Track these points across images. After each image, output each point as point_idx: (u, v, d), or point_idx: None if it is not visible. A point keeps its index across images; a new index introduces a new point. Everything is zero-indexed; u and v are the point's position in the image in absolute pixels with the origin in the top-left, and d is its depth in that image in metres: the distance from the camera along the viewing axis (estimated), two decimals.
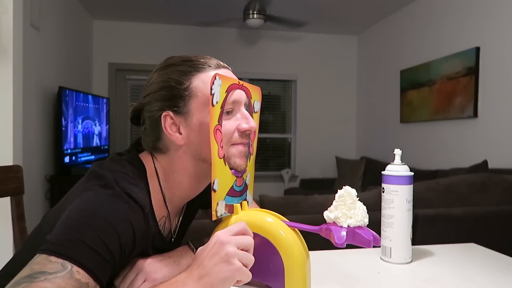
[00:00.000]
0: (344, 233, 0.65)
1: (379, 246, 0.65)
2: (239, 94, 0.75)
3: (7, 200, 1.17)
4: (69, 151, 3.33)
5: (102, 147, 4.14)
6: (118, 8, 4.32)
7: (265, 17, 3.85)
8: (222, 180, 0.71)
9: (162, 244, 0.78)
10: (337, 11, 4.36)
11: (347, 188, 0.68)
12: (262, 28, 4.69)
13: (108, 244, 0.62)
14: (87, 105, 3.75)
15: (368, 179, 4.33)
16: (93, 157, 3.85)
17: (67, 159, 3.28)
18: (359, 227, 0.66)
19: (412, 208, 0.94)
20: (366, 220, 0.67)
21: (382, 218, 0.95)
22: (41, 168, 3.12)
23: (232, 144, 0.75)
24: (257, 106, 0.83)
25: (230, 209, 0.74)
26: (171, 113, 0.74)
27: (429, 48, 3.77)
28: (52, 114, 3.30)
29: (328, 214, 0.68)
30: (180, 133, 0.75)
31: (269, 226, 0.71)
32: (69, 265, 0.59)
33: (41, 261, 0.59)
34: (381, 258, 0.96)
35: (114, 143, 4.66)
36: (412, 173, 0.94)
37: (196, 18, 4.51)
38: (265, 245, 0.70)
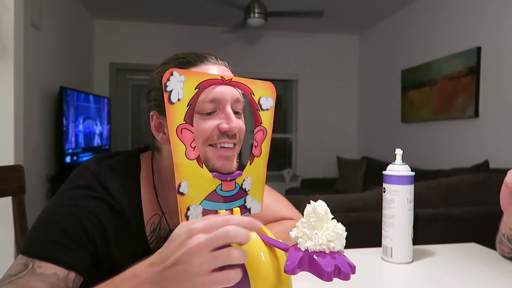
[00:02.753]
0: (297, 258, 0.53)
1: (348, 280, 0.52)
2: (220, 92, 0.69)
3: (8, 200, 1.17)
4: (70, 151, 3.33)
5: (103, 147, 4.14)
6: (119, 8, 4.32)
7: (266, 16, 3.84)
8: (195, 183, 0.66)
9: (144, 244, 0.78)
10: (338, 11, 4.35)
11: (316, 203, 0.57)
12: (263, 28, 4.69)
13: (71, 233, 0.67)
14: (88, 105, 3.75)
15: (369, 179, 4.33)
16: (91, 157, 3.86)
17: (68, 159, 3.28)
18: (321, 252, 0.54)
19: (413, 208, 0.94)
20: (333, 245, 0.54)
21: (383, 218, 0.95)
22: (42, 167, 3.12)
23: (210, 145, 0.69)
24: (267, 102, 0.74)
25: (210, 215, 0.67)
26: (157, 113, 0.75)
27: (430, 48, 3.77)
28: (53, 114, 3.30)
29: (290, 233, 0.57)
30: (165, 133, 0.75)
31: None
32: (30, 263, 0.64)
33: (12, 264, 0.65)
34: (382, 258, 0.96)
35: (115, 143, 4.67)
36: (413, 173, 0.94)
37: (197, 17, 4.51)
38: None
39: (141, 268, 0.53)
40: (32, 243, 0.67)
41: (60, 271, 0.65)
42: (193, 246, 0.49)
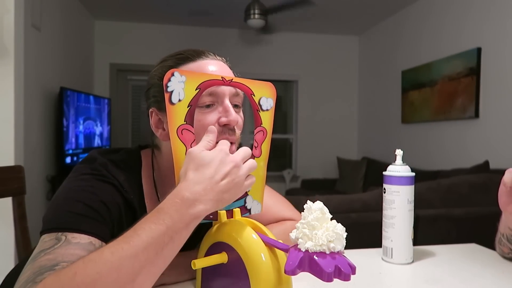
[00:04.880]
0: (297, 259, 0.53)
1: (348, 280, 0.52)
2: (220, 87, 0.70)
3: (8, 201, 1.17)
4: (70, 151, 3.33)
5: (104, 148, 4.14)
6: (119, 8, 4.33)
7: (266, 17, 3.84)
8: None
9: None
10: (338, 12, 4.36)
11: (314, 204, 0.57)
12: (264, 29, 4.68)
13: (95, 207, 0.66)
14: (88, 105, 3.75)
15: (370, 180, 4.33)
16: (90, 152, 3.87)
17: (68, 160, 3.28)
18: (321, 253, 0.54)
19: (413, 208, 0.94)
20: (333, 246, 0.54)
21: (383, 219, 0.95)
22: (43, 168, 3.12)
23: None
24: (267, 103, 0.74)
25: (210, 215, 0.67)
26: (156, 110, 0.75)
27: (430, 48, 3.77)
28: (54, 114, 3.30)
29: (290, 234, 0.58)
30: (164, 129, 0.75)
31: (246, 244, 0.61)
32: (62, 236, 0.62)
33: (38, 245, 0.63)
34: (382, 258, 0.96)
35: (115, 144, 4.67)
36: (413, 174, 0.94)
37: (197, 18, 4.52)
38: (237, 262, 0.61)
39: (184, 189, 0.59)
40: (56, 220, 0.64)
41: (95, 240, 0.63)
42: (239, 161, 0.62)
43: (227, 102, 0.70)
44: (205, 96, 0.68)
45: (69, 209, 0.65)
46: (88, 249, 0.61)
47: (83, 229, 0.63)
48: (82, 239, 0.62)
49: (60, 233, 0.62)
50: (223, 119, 0.69)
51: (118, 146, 3.76)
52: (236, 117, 0.70)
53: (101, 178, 0.71)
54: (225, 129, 0.70)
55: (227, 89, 0.70)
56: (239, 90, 0.73)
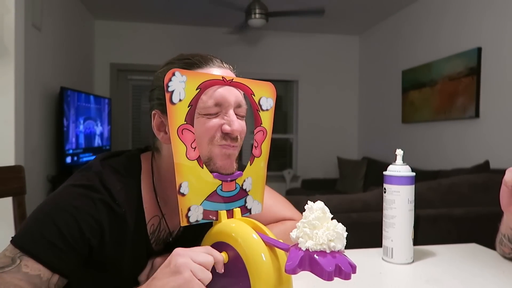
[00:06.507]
0: (297, 258, 0.54)
1: (349, 279, 0.53)
2: (222, 94, 0.69)
3: (9, 200, 1.17)
4: (70, 151, 3.33)
5: (104, 148, 4.14)
6: (119, 8, 4.33)
7: (267, 16, 3.83)
8: (195, 183, 0.66)
9: (146, 245, 0.78)
10: (339, 11, 4.35)
11: (315, 203, 0.58)
12: (264, 28, 4.69)
13: (67, 234, 0.66)
14: (88, 105, 3.75)
15: (370, 180, 4.33)
16: (94, 157, 3.87)
17: (68, 160, 3.28)
18: (322, 252, 0.54)
19: (413, 208, 0.94)
20: (334, 245, 0.54)
21: (383, 219, 0.95)
22: (43, 168, 3.12)
23: (214, 145, 0.70)
24: (267, 103, 0.75)
25: (210, 215, 0.68)
26: (159, 112, 0.75)
27: (430, 48, 3.77)
28: (54, 114, 3.31)
29: (291, 233, 0.58)
30: (166, 133, 0.75)
31: (246, 243, 0.61)
32: (18, 259, 0.64)
33: (2, 252, 0.66)
34: (382, 258, 0.96)
35: (116, 144, 4.67)
36: (413, 174, 0.94)
37: (197, 18, 4.52)
38: (237, 262, 0.62)
39: None
40: (25, 236, 0.67)
41: (44, 273, 0.65)
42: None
43: (231, 112, 0.70)
44: (211, 108, 0.69)
45: (39, 230, 0.66)
46: (33, 282, 0.63)
47: (40, 257, 0.65)
48: (32, 270, 0.64)
49: (18, 254, 0.65)
50: (227, 127, 0.69)
51: (118, 146, 3.76)
52: (239, 126, 0.71)
53: (89, 194, 0.70)
54: (226, 136, 0.70)
55: (232, 101, 0.70)
56: (242, 102, 0.73)
